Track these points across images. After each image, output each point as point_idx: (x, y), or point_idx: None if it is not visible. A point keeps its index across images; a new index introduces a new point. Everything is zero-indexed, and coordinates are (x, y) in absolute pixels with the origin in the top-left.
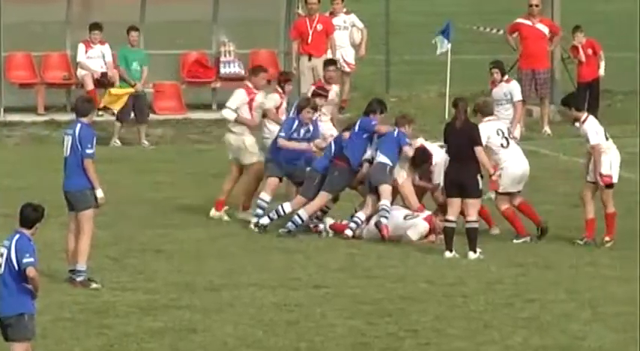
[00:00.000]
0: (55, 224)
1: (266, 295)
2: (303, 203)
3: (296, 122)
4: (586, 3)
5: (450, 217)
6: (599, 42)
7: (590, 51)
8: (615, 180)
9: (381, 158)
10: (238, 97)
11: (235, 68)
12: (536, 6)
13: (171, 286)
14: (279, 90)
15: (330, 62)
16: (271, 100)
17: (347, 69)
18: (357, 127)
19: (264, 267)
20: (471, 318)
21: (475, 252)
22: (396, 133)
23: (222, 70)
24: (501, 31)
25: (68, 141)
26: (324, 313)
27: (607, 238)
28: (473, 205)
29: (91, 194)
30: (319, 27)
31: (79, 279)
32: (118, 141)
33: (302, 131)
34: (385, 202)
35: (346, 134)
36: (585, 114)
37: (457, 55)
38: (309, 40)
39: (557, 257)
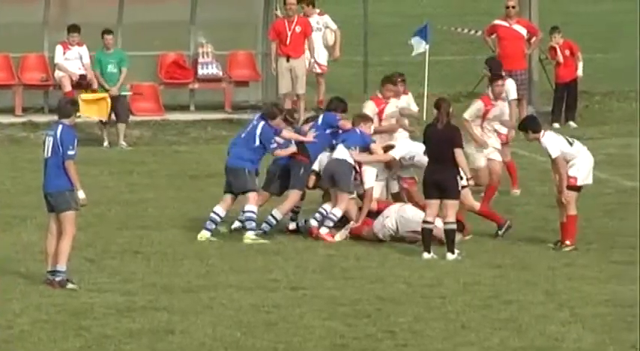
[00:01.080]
0: (32, 226)
1: (244, 296)
2: (266, 198)
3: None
4: (563, 4)
5: (428, 218)
6: (576, 43)
7: (567, 52)
8: (586, 182)
9: (341, 154)
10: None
11: (213, 69)
12: (513, 7)
13: (148, 287)
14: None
15: (388, 80)
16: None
17: (318, 70)
18: (319, 122)
19: (242, 268)
20: (448, 319)
21: (453, 253)
22: (359, 131)
23: (200, 72)
24: (479, 33)
25: (49, 142)
26: (302, 314)
27: (567, 242)
28: (452, 207)
29: (71, 195)
30: (298, 28)
31: (57, 279)
32: (107, 143)
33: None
34: (327, 206)
35: (306, 127)
36: (542, 131)
37: (435, 56)
38: (288, 42)
39: (534, 258)
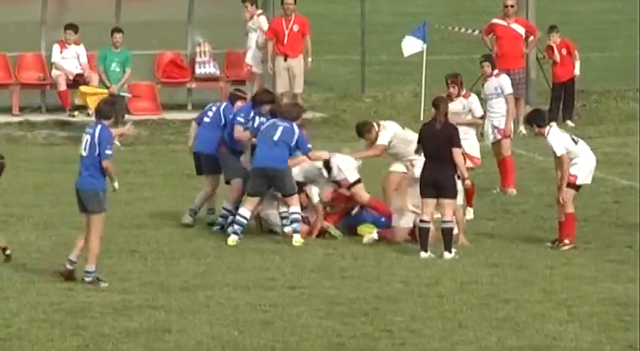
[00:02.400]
0: (29, 225)
1: (241, 295)
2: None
3: (252, 112)
4: (561, 3)
5: (425, 217)
6: (573, 42)
7: (564, 51)
8: (585, 182)
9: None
10: None
11: (210, 68)
12: (512, 6)
13: (145, 286)
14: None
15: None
16: None
17: (254, 70)
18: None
19: (239, 267)
20: (446, 318)
21: (450, 252)
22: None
23: (198, 71)
24: (477, 32)
25: (87, 140)
26: (300, 313)
27: (566, 241)
28: (448, 206)
29: (104, 196)
30: (295, 27)
31: (87, 279)
32: None
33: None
34: (283, 208)
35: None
36: (547, 127)
37: (432, 56)
38: (285, 41)
39: (532, 257)
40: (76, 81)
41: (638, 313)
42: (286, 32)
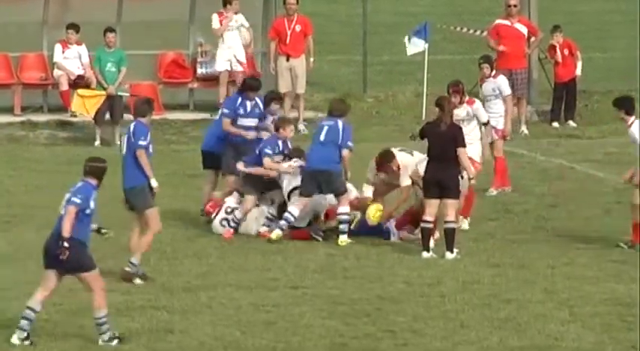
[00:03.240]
0: (32, 225)
1: (243, 295)
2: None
3: (239, 99)
4: (564, 3)
5: (427, 217)
6: (575, 42)
7: (566, 51)
8: None
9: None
10: None
11: (212, 69)
12: (515, 6)
13: (148, 286)
14: None
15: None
16: None
17: (240, 68)
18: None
19: (242, 267)
20: (448, 318)
21: (452, 252)
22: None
23: (199, 71)
24: (478, 32)
25: (125, 139)
26: (302, 313)
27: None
28: (452, 206)
29: (148, 190)
30: (298, 27)
31: (127, 268)
32: (98, 142)
33: (248, 106)
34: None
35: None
36: (632, 118)
37: (434, 56)
38: (287, 41)
39: (533, 257)
40: (78, 81)
41: (638, 313)
42: (288, 32)
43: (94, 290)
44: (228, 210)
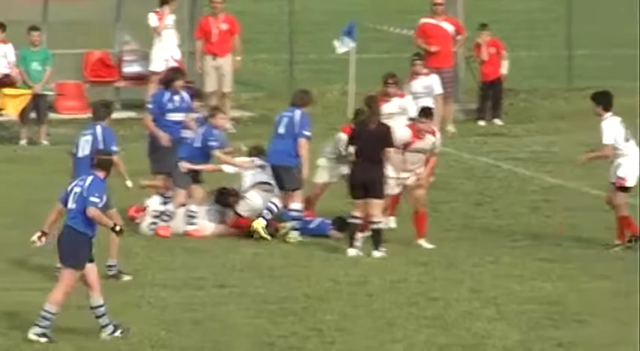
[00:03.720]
0: None
1: (171, 294)
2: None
3: (166, 94)
4: (492, 1)
5: (356, 213)
6: (502, 41)
7: (493, 50)
8: (634, 183)
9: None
10: None
11: (138, 68)
12: (441, 4)
13: (76, 286)
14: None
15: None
16: None
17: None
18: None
19: (169, 267)
20: (375, 316)
21: (379, 250)
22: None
23: (125, 70)
24: (405, 31)
25: (85, 141)
26: (229, 312)
27: (618, 242)
28: (377, 206)
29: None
30: (224, 26)
31: (110, 273)
32: (24, 141)
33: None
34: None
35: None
36: (609, 114)
37: (362, 54)
38: (214, 40)
39: (460, 256)
40: (3, 80)
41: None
42: (215, 31)
43: (59, 284)
44: (155, 214)
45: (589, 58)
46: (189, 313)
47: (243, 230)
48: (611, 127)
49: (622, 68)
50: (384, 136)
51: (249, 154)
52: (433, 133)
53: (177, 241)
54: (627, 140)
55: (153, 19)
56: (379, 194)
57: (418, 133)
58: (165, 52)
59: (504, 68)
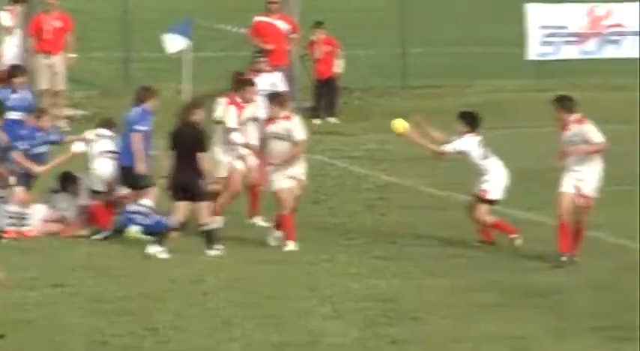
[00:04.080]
0: None
1: (3, 295)
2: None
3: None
4: (326, 0)
5: (178, 217)
6: (337, 40)
7: (328, 48)
8: (499, 197)
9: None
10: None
11: None
12: (275, 3)
13: None
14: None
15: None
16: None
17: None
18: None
19: (1, 266)
20: (210, 315)
21: (214, 249)
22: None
23: None
24: (242, 29)
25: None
26: (63, 312)
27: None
28: (203, 209)
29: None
30: (57, 24)
31: None
32: None
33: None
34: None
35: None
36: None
37: (197, 53)
38: (47, 37)
39: (295, 254)
40: None
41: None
42: (47, 29)
43: None
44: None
45: (423, 56)
46: (22, 314)
47: (99, 217)
48: (469, 145)
49: (456, 66)
50: (199, 140)
51: (97, 126)
52: (287, 119)
53: (11, 242)
54: (486, 158)
55: (5, 18)
56: (201, 197)
57: (271, 119)
58: (17, 50)
59: (339, 66)
